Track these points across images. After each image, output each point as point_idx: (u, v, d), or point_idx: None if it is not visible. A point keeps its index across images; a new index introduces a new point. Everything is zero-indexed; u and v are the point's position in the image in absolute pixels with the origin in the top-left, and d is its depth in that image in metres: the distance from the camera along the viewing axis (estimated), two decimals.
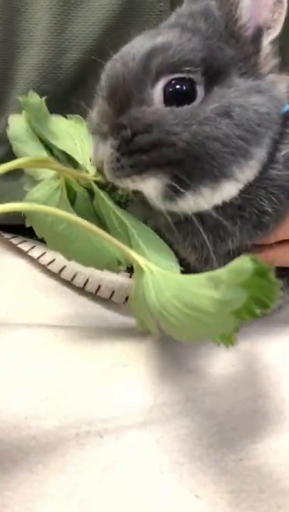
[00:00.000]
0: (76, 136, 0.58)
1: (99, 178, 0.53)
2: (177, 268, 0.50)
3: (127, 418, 0.47)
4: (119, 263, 0.54)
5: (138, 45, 0.53)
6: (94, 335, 0.59)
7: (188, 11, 0.57)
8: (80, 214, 0.52)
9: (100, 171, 0.53)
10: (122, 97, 0.51)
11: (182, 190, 0.50)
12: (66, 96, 0.74)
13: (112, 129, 0.51)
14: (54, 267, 0.75)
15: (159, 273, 0.44)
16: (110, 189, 0.53)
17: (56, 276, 0.75)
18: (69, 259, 0.56)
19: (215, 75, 0.52)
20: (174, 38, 0.52)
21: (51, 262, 0.75)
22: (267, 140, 0.54)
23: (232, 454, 0.44)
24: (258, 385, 0.51)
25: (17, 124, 0.58)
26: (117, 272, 0.55)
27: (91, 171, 0.54)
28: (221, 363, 0.54)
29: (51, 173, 0.55)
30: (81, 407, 0.48)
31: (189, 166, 0.50)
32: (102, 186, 0.53)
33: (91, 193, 0.55)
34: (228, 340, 0.44)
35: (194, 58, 0.51)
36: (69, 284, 0.75)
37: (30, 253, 0.77)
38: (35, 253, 0.77)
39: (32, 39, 0.74)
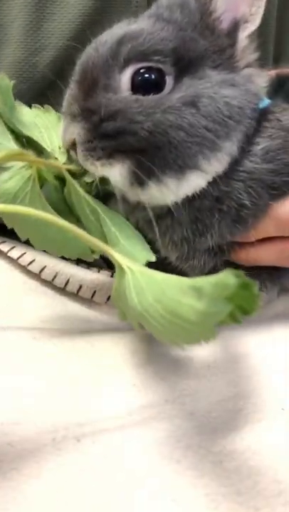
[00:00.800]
0: (42, 125, 0.58)
1: (71, 167, 0.53)
2: (149, 252, 0.49)
3: (105, 421, 0.46)
4: (93, 252, 0.54)
5: (113, 32, 0.54)
6: (74, 337, 0.58)
7: (166, 2, 0.57)
8: (51, 203, 0.53)
9: (68, 151, 0.53)
10: (90, 81, 0.52)
11: (145, 179, 0.51)
12: (42, 95, 0.73)
13: (82, 112, 0.52)
14: (34, 268, 0.74)
15: (141, 273, 0.43)
16: (80, 176, 0.53)
17: (36, 276, 0.74)
18: (41, 248, 0.56)
19: (186, 66, 0.52)
20: (147, 26, 0.52)
21: (31, 263, 0.74)
22: (238, 134, 0.54)
23: (211, 455, 0.44)
24: (238, 385, 0.51)
25: None
26: (91, 259, 0.55)
27: (61, 160, 0.54)
28: (200, 363, 0.53)
29: (20, 162, 0.54)
30: (58, 411, 0.47)
31: (152, 155, 0.50)
32: (73, 174, 0.53)
33: (61, 181, 0.55)
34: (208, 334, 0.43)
35: (164, 48, 0.51)
36: (50, 284, 0.74)
37: (9, 254, 0.75)
38: (15, 254, 0.75)
39: (7, 38, 0.73)
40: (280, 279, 0.65)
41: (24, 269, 0.75)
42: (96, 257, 0.54)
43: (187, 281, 0.39)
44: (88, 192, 0.53)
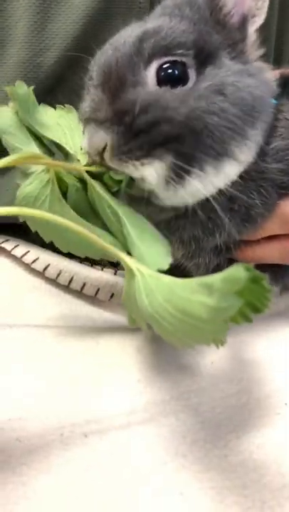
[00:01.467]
0: (66, 126, 0.57)
1: (91, 168, 0.52)
2: (164, 258, 0.48)
3: (111, 417, 0.47)
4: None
5: (127, 33, 0.53)
6: (78, 334, 0.59)
7: (172, 2, 0.57)
8: (72, 205, 0.52)
9: (96, 158, 0.52)
10: (116, 82, 0.51)
11: (186, 169, 0.50)
12: (46, 95, 0.74)
13: (112, 115, 0.50)
14: (38, 266, 0.74)
15: (150, 276, 0.43)
16: (102, 178, 0.52)
17: (40, 274, 0.75)
18: (65, 250, 0.55)
19: (206, 58, 0.52)
20: (164, 22, 0.52)
21: (35, 261, 0.74)
22: (262, 124, 0.54)
23: (216, 450, 0.44)
24: (241, 381, 0.52)
25: (5, 117, 0.57)
26: (113, 259, 0.54)
27: (82, 161, 0.54)
28: (204, 359, 0.54)
29: (40, 166, 0.54)
30: (65, 407, 0.48)
31: (190, 142, 0.49)
32: (95, 176, 0.52)
33: (83, 183, 0.54)
34: (217, 340, 0.44)
35: (186, 40, 0.51)
36: (53, 282, 0.74)
37: (13, 252, 0.76)
38: (18, 252, 0.76)
39: (12, 38, 0.73)
40: (283, 277, 0.65)
41: (28, 268, 0.75)
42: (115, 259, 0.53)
43: (196, 280, 0.39)
44: (112, 189, 0.52)
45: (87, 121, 0.53)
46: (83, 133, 0.54)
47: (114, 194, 0.52)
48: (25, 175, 0.55)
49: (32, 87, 0.55)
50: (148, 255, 0.47)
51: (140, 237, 0.49)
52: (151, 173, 0.50)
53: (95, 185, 0.52)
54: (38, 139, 0.55)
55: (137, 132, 0.49)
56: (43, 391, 0.50)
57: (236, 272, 0.35)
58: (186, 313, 0.38)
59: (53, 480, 0.42)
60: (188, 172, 0.50)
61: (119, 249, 0.52)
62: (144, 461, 0.43)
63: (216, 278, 0.37)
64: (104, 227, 0.52)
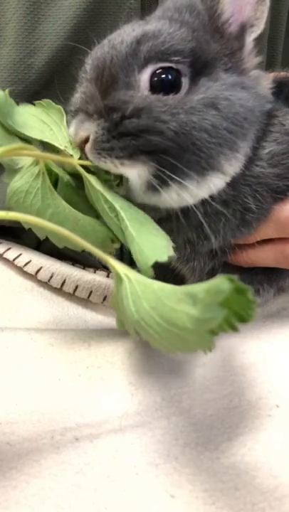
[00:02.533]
0: (50, 122, 0.56)
1: (85, 162, 0.52)
2: (168, 249, 0.47)
3: (102, 420, 0.47)
4: (113, 241, 0.52)
5: (127, 31, 0.53)
6: (70, 337, 0.59)
7: (173, 5, 0.57)
8: (64, 197, 0.52)
9: (80, 148, 0.52)
10: (108, 79, 0.51)
11: (167, 181, 0.50)
12: (38, 95, 0.74)
13: (100, 110, 0.50)
14: (30, 269, 0.74)
15: (138, 282, 0.43)
16: (95, 171, 0.52)
17: (32, 277, 0.74)
18: (61, 245, 0.54)
19: (201, 68, 0.52)
20: (164, 26, 0.52)
21: (27, 264, 0.74)
22: (251, 135, 0.55)
23: (208, 452, 0.44)
24: (233, 383, 0.52)
25: None
26: (112, 251, 0.52)
27: (75, 155, 0.53)
28: (196, 361, 0.54)
29: (29, 160, 0.53)
30: (56, 410, 0.48)
31: (176, 156, 0.49)
32: (89, 170, 0.52)
33: (75, 176, 0.53)
34: (203, 342, 0.43)
35: (184, 48, 0.51)
36: (46, 285, 0.74)
37: (5, 255, 0.76)
38: (11, 255, 0.76)
39: (2, 39, 0.73)
40: (277, 280, 0.66)
41: (20, 271, 0.75)
42: (117, 246, 0.52)
43: (182, 289, 0.39)
44: (107, 181, 0.51)
45: (76, 111, 0.54)
46: (70, 123, 0.54)
47: (110, 186, 0.52)
48: (14, 171, 0.54)
49: (7, 90, 0.54)
50: (146, 248, 0.46)
51: (138, 230, 0.48)
52: (132, 173, 0.50)
53: (91, 179, 0.51)
54: (25, 140, 0.54)
55: (124, 133, 0.49)
56: (34, 394, 0.49)
57: (220, 284, 0.35)
58: (171, 323, 0.38)
59: (43, 484, 0.41)
60: (168, 183, 0.50)
61: (114, 238, 0.52)
62: (136, 463, 0.43)
63: (199, 288, 0.36)
64: (99, 218, 0.52)
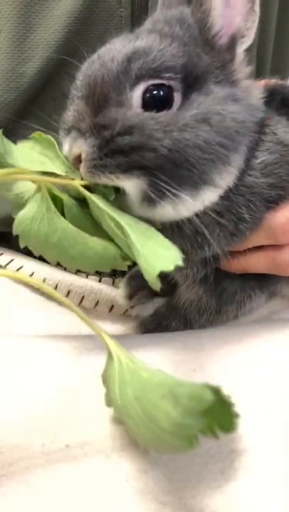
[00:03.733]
0: (47, 152, 0.55)
1: (86, 182, 0.51)
2: (176, 258, 0.46)
3: (93, 427, 0.47)
4: (124, 259, 0.51)
5: (117, 48, 0.53)
6: (62, 342, 0.59)
7: (163, 18, 0.57)
8: (71, 221, 0.51)
9: (75, 167, 0.52)
10: (100, 97, 0.51)
11: (160, 196, 0.50)
12: (29, 104, 0.74)
13: (92, 128, 0.50)
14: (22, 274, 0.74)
15: (127, 367, 0.43)
16: (96, 190, 0.52)
17: (25, 282, 0.75)
18: (72, 268, 0.54)
19: (193, 82, 0.52)
20: (155, 42, 0.52)
21: (19, 269, 0.75)
22: (243, 147, 0.55)
23: (197, 458, 0.45)
24: (222, 388, 0.52)
25: None
26: (124, 268, 0.52)
27: (76, 178, 0.53)
28: (186, 367, 0.54)
29: (33, 190, 0.53)
30: (47, 417, 0.48)
31: (169, 172, 0.50)
32: (90, 190, 0.52)
33: (79, 200, 0.53)
34: (182, 445, 0.39)
35: (175, 65, 0.51)
36: (38, 290, 0.74)
37: None
38: (3, 260, 0.76)
39: None
40: (268, 286, 0.66)
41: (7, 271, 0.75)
42: (129, 263, 0.52)
43: (169, 384, 0.38)
44: (109, 197, 0.51)
45: (69, 129, 0.54)
46: (64, 140, 0.54)
47: (113, 203, 0.51)
48: (22, 206, 0.53)
49: (0, 130, 0.53)
50: (153, 259, 0.45)
51: (144, 244, 0.48)
52: (128, 184, 0.50)
53: (94, 199, 0.51)
54: None
55: (115, 150, 0.49)
56: (24, 401, 0.49)
57: (203, 393, 0.35)
58: (151, 419, 0.38)
59: (33, 491, 0.41)
60: (163, 198, 0.50)
61: (125, 258, 0.51)
62: (126, 470, 0.43)
63: (183, 391, 0.36)
64: (106, 239, 0.52)
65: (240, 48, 0.56)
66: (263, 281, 0.65)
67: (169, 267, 0.45)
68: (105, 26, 0.72)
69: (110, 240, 0.52)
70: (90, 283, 0.74)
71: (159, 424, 0.37)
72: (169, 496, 0.41)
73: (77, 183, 0.51)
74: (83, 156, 0.50)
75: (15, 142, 0.55)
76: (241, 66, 0.57)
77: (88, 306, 0.73)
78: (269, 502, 0.42)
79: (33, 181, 0.52)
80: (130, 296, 0.73)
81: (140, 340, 0.62)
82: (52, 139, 0.54)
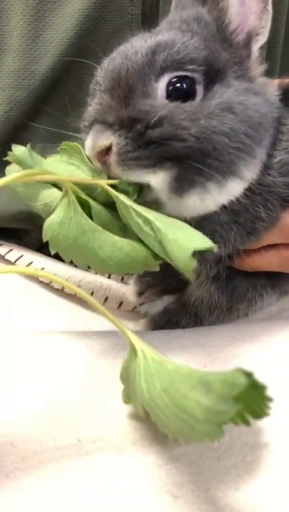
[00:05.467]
0: (75, 161, 0.56)
1: (112, 182, 0.51)
2: (208, 240, 0.46)
3: (105, 421, 0.47)
4: (156, 258, 0.50)
5: (139, 43, 0.54)
6: (72, 338, 0.59)
7: (179, 17, 0.58)
8: (99, 225, 0.51)
9: (98, 160, 0.52)
10: (125, 89, 0.51)
11: (190, 185, 0.51)
12: (41, 101, 0.74)
13: (122, 120, 0.50)
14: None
15: (153, 360, 0.43)
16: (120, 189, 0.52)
17: (34, 279, 0.75)
18: (104, 271, 0.54)
19: (214, 75, 0.53)
20: (177, 36, 0.53)
21: (28, 265, 0.75)
22: (266, 141, 0.55)
23: (210, 452, 0.45)
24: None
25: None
26: (156, 268, 0.51)
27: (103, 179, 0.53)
28: (197, 364, 0.54)
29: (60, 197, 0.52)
30: (59, 411, 0.48)
31: (198, 161, 0.50)
32: (115, 188, 0.51)
33: (104, 204, 0.53)
34: (213, 434, 0.39)
35: (198, 57, 0.52)
36: (47, 286, 0.75)
37: (7, 256, 0.77)
38: (12, 256, 0.76)
39: (6, 46, 0.74)
40: (280, 285, 0.66)
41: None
42: (160, 262, 0.51)
43: (198, 374, 0.38)
44: (132, 196, 0.51)
45: (92, 123, 0.53)
46: (86, 137, 0.54)
47: (137, 202, 0.51)
48: (50, 215, 0.52)
49: (28, 145, 0.54)
50: (183, 241, 0.45)
51: (175, 233, 0.48)
52: (157, 180, 0.50)
53: (120, 197, 0.50)
54: (55, 185, 0.54)
55: (148, 142, 0.49)
56: (36, 395, 0.50)
57: (236, 377, 0.35)
58: (181, 408, 0.38)
59: (46, 484, 0.42)
60: (191, 188, 0.51)
61: (156, 257, 0.50)
62: (138, 464, 0.44)
63: (215, 378, 0.36)
64: (140, 240, 0.51)
65: (256, 46, 0.57)
66: (275, 280, 0.65)
67: (202, 245, 0.45)
68: (117, 25, 0.73)
69: (139, 242, 0.51)
70: (100, 279, 0.75)
71: (190, 413, 0.37)
72: (182, 489, 0.41)
73: (103, 183, 0.51)
74: (115, 148, 0.50)
75: (25, 141, 0.55)
76: (256, 64, 0.58)
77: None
78: (283, 498, 0.42)
79: (59, 184, 0.52)
80: (140, 293, 0.73)
81: (150, 336, 0.62)
82: (78, 145, 0.55)
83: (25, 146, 0.52)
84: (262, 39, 0.57)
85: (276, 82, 0.64)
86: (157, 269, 0.51)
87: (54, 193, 0.54)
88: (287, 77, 0.69)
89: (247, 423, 0.39)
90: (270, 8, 0.56)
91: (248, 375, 0.35)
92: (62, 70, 0.74)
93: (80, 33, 0.72)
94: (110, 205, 0.52)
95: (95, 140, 0.52)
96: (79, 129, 0.57)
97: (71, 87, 0.73)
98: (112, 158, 0.50)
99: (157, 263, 0.50)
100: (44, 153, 0.55)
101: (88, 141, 0.53)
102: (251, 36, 0.57)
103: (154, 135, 0.49)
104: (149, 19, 0.74)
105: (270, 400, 0.37)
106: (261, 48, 0.58)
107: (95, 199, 0.53)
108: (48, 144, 0.71)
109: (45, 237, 0.51)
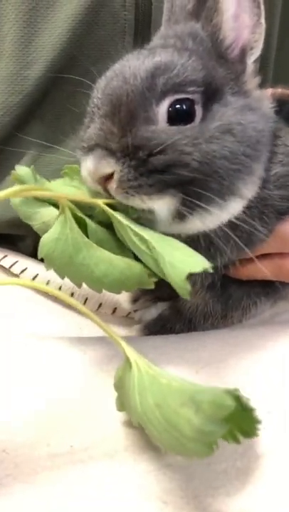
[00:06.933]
0: (73, 189, 0.56)
1: (109, 201, 0.52)
2: (203, 260, 0.47)
3: (96, 428, 0.48)
4: (150, 276, 0.51)
5: (135, 64, 0.53)
6: (66, 344, 0.59)
7: (173, 33, 0.58)
8: (95, 243, 0.51)
9: (97, 184, 0.52)
10: (127, 115, 0.51)
11: (192, 209, 0.51)
12: (33, 107, 0.75)
13: (125, 148, 0.50)
14: (26, 276, 0.75)
15: (147, 373, 0.43)
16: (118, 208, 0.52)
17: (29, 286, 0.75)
18: (99, 290, 0.52)
19: (212, 94, 0.53)
20: (174, 57, 0.52)
21: (23, 271, 0.75)
22: (264, 157, 0.56)
23: (200, 458, 0.45)
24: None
25: None
26: (151, 286, 0.51)
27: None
28: (189, 369, 0.54)
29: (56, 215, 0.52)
30: (52, 418, 0.48)
31: (200, 186, 0.50)
32: (113, 207, 0.52)
33: (101, 223, 0.53)
34: (203, 451, 0.39)
35: (197, 78, 0.52)
36: (42, 292, 0.75)
37: (1, 263, 0.77)
38: (7, 263, 0.76)
39: (0, 52, 0.74)
40: (274, 292, 0.67)
41: (16, 278, 0.76)
42: (155, 280, 0.51)
43: (189, 390, 0.38)
44: (132, 215, 0.51)
45: (92, 147, 0.52)
46: (85, 158, 0.53)
47: (136, 221, 0.52)
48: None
49: (32, 166, 0.54)
50: (179, 263, 0.46)
51: (171, 254, 0.48)
52: (160, 205, 0.51)
53: (117, 216, 0.51)
54: (53, 204, 0.54)
55: (152, 170, 0.49)
56: (29, 401, 0.50)
57: (224, 399, 0.35)
58: (172, 425, 0.38)
59: (38, 492, 0.42)
60: (193, 211, 0.51)
61: (151, 273, 0.50)
62: (129, 470, 0.44)
63: (204, 398, 0.36)
64: (137, 259, 0.51)
65: (250, 60, 0.57)
66: (269, 288, 0.66)
67: (197, 268, 0.45)
68: (109, 29, 0.73)
69: (135, 260, 0.52)
70: None
71: (181, 431, 0.37)
72: (171, 495, 0.42)
73: (100, 202, 0.51)
74: (117, 176, 0.50)
75: (18, 146, 0.55)
76: (251, 77, 0.58)
77: (91, 308, 0.74)
78: (273, 503, 0.42)
79: (55, 201, 0.52)
80: (134, 300, 0.73)
81: (142, 342, 0.62)
82: (78, 167, 0.55)
83: (19, 150, 0.53)
84: (256, 52, 0.57)
85: (269, 91, 0.65)
86: (152, 287, 0.51)
87: (52, 212, 0.54)
88: (280, 86, 0.69)
89: (237, 441, 0.40)
90: (263, 21, 0.56)
91: (236, 397, 0.35)
92: (55, 75, 0.74)
93: (72, 38, 0.73)
94: (107, 225, 0.53)
95: (97, 166, 0.51)
96: (73, 134, 0.57)
97: (64, 92, 0.73)
98: (113, 186, 0.50)
99: (152, 280, 0.51)
100: (35, 163, 0.55)
101: (89, 165, 0.52)
102: (245, 50, 0.57)
103: (157, 162, 0.49)
104: (142, 24, 0.75)
105: (258, 422, 0.38)
106: (255, 60, 0.58)
107: (92, 218, 0.53)
108: (40, 154, 0.72)
109: (40, 254, 0.51)
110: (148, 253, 0.49)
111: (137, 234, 0.49)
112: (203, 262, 0.46)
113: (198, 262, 0.47)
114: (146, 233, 0.50)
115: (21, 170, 0.54)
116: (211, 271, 0.45)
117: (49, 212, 0.54)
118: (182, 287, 0.45)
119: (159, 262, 0.48)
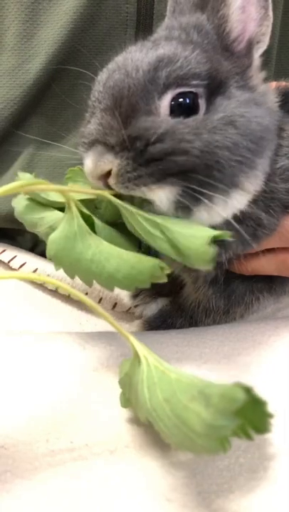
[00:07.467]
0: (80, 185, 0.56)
1: (114, 192, 0.50)
2: (227, 234, 0.46)
3: (97, 423, 0.47)
4: (162, 268, 0.48)
5: (138, 56, 0.52)
6: (65, 339, 0.59)
7: (178, 24, 0.57)
8: (107, 238, 0.50)
9: (98, 180, 0.51)
10: (128, 108, 0.50)
11: (195, 201, 0.50)
12: (35, 100, 0.74)
13: (123, 142, 0.49)
14: (26, 270, 0.74)
15: (156, 368, 0.42)
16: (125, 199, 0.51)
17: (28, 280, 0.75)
18: (111, 287, 0.49)
19: (216, 88, 0.52)
20: (178, 50, 0.51)
21: (22, 266, 0.74)
22: (268, 152, 0.55)
23: (203, 455, 0.44)
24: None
25: (21, 202, 0.56)
26: (165, 279, 0.48)
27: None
28: (191, 364, 0.54)
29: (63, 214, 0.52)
30: (51, 414, 0.47)
31: (202, 175, 0.49)
32: (120, 197, 0.51)
33: (108, 222, 0.53)
34: (214, 447, 0.37)
35: (201, 71, 0.51)
36: (41, 287, 0.74)
37: (0, 257, 0.76)
38: (6, 256, 0.76)
39: (1, 45, 0.74)
40: (277, 287, 0.66)
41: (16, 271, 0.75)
42: (168, 272, 0.48)
43: (199, 385, 0.37)
44: (143, 207, 0.50)
45: (92, 143, 0.51)
46: (85, 155, 0.52)
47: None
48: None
49: (34, 173, 0.53)
50: (199, 232, 0.45)
51: (187, 228, 0.47)
52: (160, 197, 0.49)
53: (125, 205, 0.50)
54: (59, 208, 0.54)
55: (149, 160, 0.48)
56: (28, 397, 0.49)
57: (235, 392, 0.34)
58: (181, 420, 0.37)
59: (37, 487, 0.41)
60: (196, 202, 0.50)
61: (163, 265, 0.48)
62: (132, 467, 0.43)
63: (214, 392, 0.35)
64: (144, 252, 0.51)
65: (256, 54, 0.56)
66: (272, 284, 0.65)
67: (217, 233, 0.44)
68: (111, 22, 0.72)
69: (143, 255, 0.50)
70: None
71: (191, 426, 0.36)
72: (175, 492, 0.41)
73: (106, 193, 0.50)
74: (115, 170, 0.49)
75: (18, 139, 0.55)
76: (257, 71, 0.57)
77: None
78: (276, 499, 0.41)
79: (60, 205, 0.51)
80: (135, 295, 0.73)
81: (144, 337, 0.61)
82: (81, 169, 0.54)
83: (20, 144, 0.52)
84: (262, 46, 0.56)
85: (273, 84, 0.64)
86: (166, 280, 0.48)
87: (57, 216, 0.53)
88: (283, 79, 0.69)
89: (250, 437, 0.38)
90: (270, 13, 0.55)
91: (248, 390, 0.34)
92: (57, 68, 0.73)
93: (74, 32, 0.72)
94: (114, 223, 0.52)
95: (96, 163, 0.50)
96: (74, 128, 0.56)
97: (66, 85, 0.73)
98: (111, 180, 0.49)
99: (165, 272, 0.48)
100: (34, 160, 0.55)
101: (89, 162, 0.51)
102: (252, 44, 0.56)
103: (155, 151, 0.48)
104: (144, 17, 0.74)
105: (270, 415, 0.36)
106: (261, 55, 0.57)
107: (98, 217, 0.52)
108: (37, 152, 0.71)
109: (48, 254, 0.50)
110: (161, 237, 0.48)
111: (147, 219, 0.48)
112: (223, 232, 0.45)
113: (217, 232, 0.45)
114: (157, 217, 0.48)
115: (24, 176, 0.54)
116: (232, 239, 0.44)
117: (54, 216, 0.53)
118: (206, 254, 0.43)
119: (175, 241, 0.47)
